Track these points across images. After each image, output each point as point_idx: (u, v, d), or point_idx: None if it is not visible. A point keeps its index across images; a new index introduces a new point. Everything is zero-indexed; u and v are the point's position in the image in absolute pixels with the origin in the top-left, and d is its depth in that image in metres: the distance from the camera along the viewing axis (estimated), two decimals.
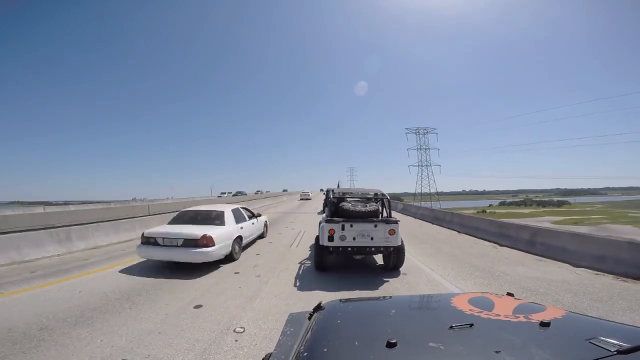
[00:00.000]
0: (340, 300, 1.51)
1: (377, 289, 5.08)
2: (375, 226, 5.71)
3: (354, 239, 5.68)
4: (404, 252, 6.07)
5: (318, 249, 5.94)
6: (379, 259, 6.97)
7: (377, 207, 6.63)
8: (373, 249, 5.76)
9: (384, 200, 6.84)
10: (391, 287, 5.15)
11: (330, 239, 5.67)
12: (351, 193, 7.08)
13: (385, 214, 6.84)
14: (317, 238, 6.06)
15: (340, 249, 5.70)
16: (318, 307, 1.42)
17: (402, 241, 5.98)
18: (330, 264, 6.29)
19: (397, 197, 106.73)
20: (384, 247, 5.76)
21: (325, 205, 7.94)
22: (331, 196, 6.79)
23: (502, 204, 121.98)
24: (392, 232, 5.72)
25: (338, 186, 12.23)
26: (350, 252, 5.80)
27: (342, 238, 5.67)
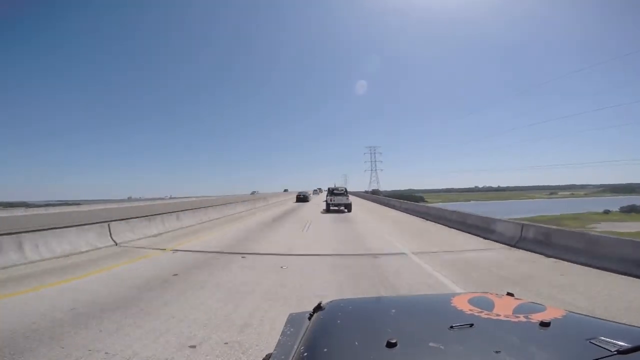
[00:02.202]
0: (340, 300, 1.51)
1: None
2: (342, 196, 21.13)
3: (335, 200, 20.94)
4: (351, 205, 20.84)
5: (325, 205, 21.50)
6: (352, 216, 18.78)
7: (343, 191, 21.77)
8: (341, 203, 20.78)
9: (346, 189, 22.26)
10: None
11: (329, 201, 21.09)
12: (336, 187, 22.14)
13: (346, 194, 21.85)
14: (326, 201, 21.85)
15: (331, 205, 20.87)
16: (318, 307, 1.41)
17: (350, 201, 21.11)
18: (329, 210, 20.80)
19: (418, 197, 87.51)
20: (344, 203, 20.71)
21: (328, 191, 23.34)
22: (329, 189, 22.52)
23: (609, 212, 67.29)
24: (347, 198, 21.01)
25: (334, 185, 24.62)
26: (335, 205, 20.84)
27: (332, 200, 20.99)
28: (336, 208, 20.73)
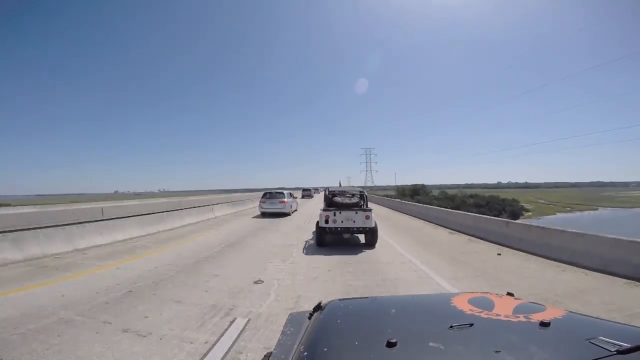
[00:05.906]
0: (340, 300, 1.51)
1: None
2: (356, 213, 7.80)
3: (342, 222, 7.74)
4: (377, 232, 8.05)
5: (318, 230, 7.91)
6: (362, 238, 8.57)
7: (358, 200, 8.78)
8: (354, 229, 7.85)
9: (363, 195, 9.02)
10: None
11: (326, 222, 7.75)
12: (341, 191, 9.36)
13: (364, 205, 8.70)
14: (317, 223, 7.98)
15: (333, 228, 7.77)
16: (318, 307, 1.42)
17: (375, 224, 7.97)
18: (323, 242, 7.91)
19: (510, 201, 46.73)
20: (362, 227, 7.81)
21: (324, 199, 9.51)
22: (327, 193, 9.12)
23: None
24: (367, 217, 7.76)
25: (340, 184, 12.79)
26: (340, 232, 7.84)
27: (334, 221, 7.74)
28: (347, 235, 8.49)
